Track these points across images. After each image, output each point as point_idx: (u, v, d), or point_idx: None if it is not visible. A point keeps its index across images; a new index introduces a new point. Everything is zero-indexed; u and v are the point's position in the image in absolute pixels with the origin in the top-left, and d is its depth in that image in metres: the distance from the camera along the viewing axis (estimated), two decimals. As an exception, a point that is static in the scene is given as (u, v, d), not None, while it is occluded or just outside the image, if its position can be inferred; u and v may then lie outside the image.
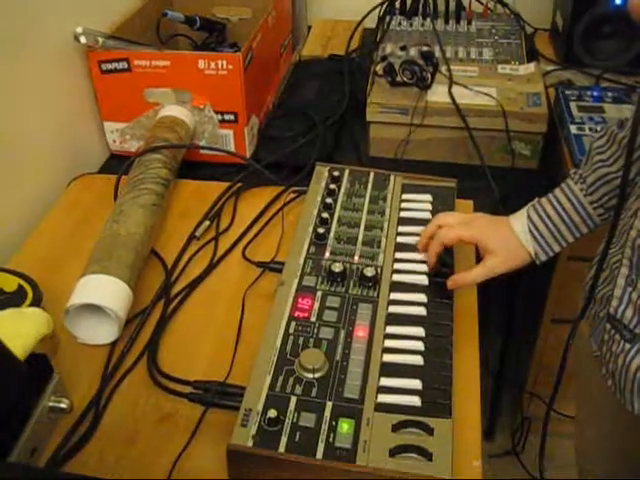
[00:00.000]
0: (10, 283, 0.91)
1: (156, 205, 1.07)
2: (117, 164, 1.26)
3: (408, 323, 0.87)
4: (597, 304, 0.92)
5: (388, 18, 1.66)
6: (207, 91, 1.25)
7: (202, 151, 1.31)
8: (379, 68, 1.37)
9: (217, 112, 1.27)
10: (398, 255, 0.97)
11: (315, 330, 0.85)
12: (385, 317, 0.87)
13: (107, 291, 0.91)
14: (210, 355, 0.92)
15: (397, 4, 1.68)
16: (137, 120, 1.29)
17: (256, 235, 1.12)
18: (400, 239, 1.00)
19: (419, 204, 1.07)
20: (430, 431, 0.74)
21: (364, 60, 1.59)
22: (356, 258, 0.97)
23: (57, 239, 1.12)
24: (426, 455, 0.71)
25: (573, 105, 1.35)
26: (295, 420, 0.74)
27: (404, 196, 1.09)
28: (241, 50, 1.22)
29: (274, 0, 1.47)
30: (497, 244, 0.91)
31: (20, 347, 0.71)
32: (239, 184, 1.21)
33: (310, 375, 0.79)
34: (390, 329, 0.86)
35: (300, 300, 0.90)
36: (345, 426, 0.74)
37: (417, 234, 1.00)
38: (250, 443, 0.72)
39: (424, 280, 0.93)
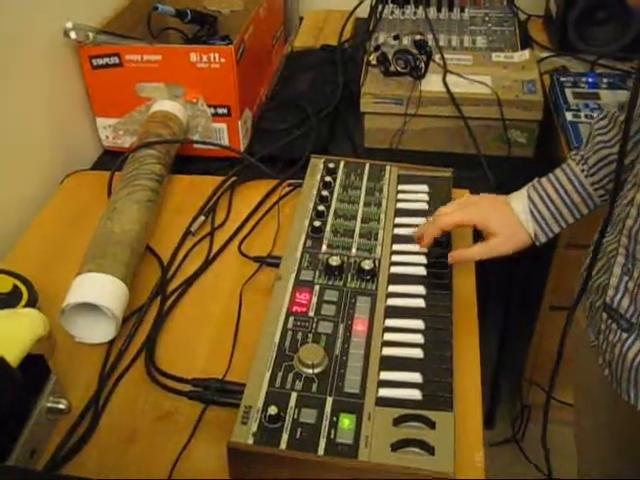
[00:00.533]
0: (5, 284, 0.91)
1: (150, 201, 1.06)
2: (110, 160, 1.25)
3: (407, 316, 0.86)
4: (593, 294, 0.91)
5: (380, 7, 1.65)
6: (199, 85, 1.23)
7: (196, 145, 1.29)
8: (372, 58, 1.36)
9: (210, 106, 1.25)
10: (396, 247, 0.97)
11: (314, 325, 0.85)
12: (384, 310, 0.87)
13: (103, 289, 0.90)
14: (208, 352, 0.92)
15: (389, -7, 1.67)
16: (129, 115, 1.28)
17: (252, 229, 1.11)
18: (397, 231, 1.00)
19: (415, 195, 1.06)
20: (432, 425, 0.73)
21: (357, 50, 1.58)
22: (353, 251, 0.96)
23: (51, 237, 1.11)
24: (428, 449, 0.71)
25: (568, 92, 1.34)
26: (296, 416, 0.74)
27: (400, 187, 1.08)
28: (233, 43, 1.21)
29: (265, -9, 1.45)
30: (498, 225, 0.91)
31: (16, 349, 0.71)
32: (234, 178, 1.20)
33: (310, 370, 0.79)
34: (389, 322, 0.85)
35: (298, 295, 0.89)
36: (346, 421, 0.74)
37: (414, 225, 0.99)
38: (251, 441, 0.72)
39: (422, 272, 0.93)
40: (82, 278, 0.91)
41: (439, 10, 1.65)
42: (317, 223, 0.99)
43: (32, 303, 0.88)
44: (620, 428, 1.06)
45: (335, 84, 1.48)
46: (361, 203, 1.05)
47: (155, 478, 0.77)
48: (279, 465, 0.72)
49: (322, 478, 0.72)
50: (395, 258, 0.95)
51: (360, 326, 0.85)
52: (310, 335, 0.83)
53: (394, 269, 0.93)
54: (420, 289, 0.90)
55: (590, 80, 1.37)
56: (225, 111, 1.26)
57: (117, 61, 1.23)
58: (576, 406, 1.21)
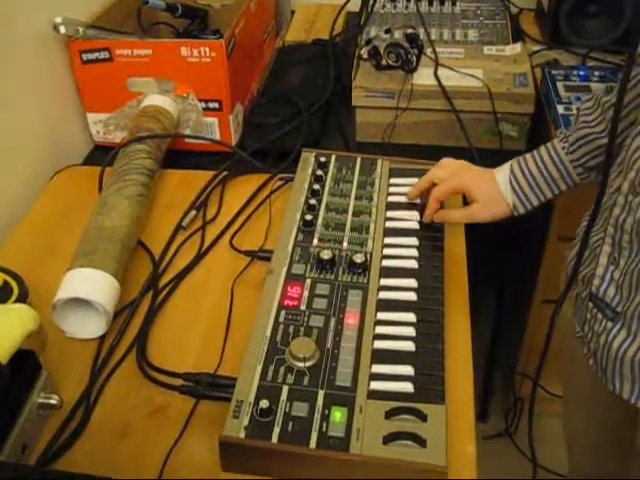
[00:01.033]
0: (-5, 279, 0.90)
1: (142, 196, 1.06)
2: (101, 155, 1.24)
3: (399, 309, 0.86)
4: (579, 285, 0.92)
5: (372, 1, 1.64)
6: (190, 79, 1.23)
7: (187, 140, 1.29)
8: (364, 52, 1.36)
9: (201, 100, 1.25)
10: (387, 240, 0.97)
11: (305, 318, 0.84)
12: (375, 303, 0.87)
13: (94, 285, 0.90)
14: (200, 346, 0.91)
15: (380, -14, 1.67)
16: (120, 110, 1.27)
17: (243, 224, 1.11)
18: (389, 224, 1.00)
19: (407, 188, 1.06)
20: (423, 417, 0.73)
21: (348, 44, 1.57)
22: (345, 244, 0.96)
23: (41, 232, 1.11)
24: (420, 442, 0.71)
25: (560, 85, 1.34)
26: (287, 410, 0.74)
27: (392, 180, 1.08)
28: (224, 37, 1.20)
29: (256, -15, 1.45)
30: (480, 193, 0.96)
31: (7, 344, 0.71)
32: (225, 172, 1.20)
33: (301, 364, 0.79)
34: (381, 315, 0.85)
35: (289, 288, 0.89)
36: (338, 414, 0.73)
37: (406, 219, 1.00)
38: (242, 434, 0.71)
39: (414, 265, 0.93)
40: (73, 273, 0.91)
41: (430, 4, 1.65)
42: (308, 217, 0.99)
43: (23, 298, 0.88)
44: (606, 418, 1.07)
45: (327, 78, 1.48)
46: (352, 197, 1.05)
47: (147, 473, 0.76)
48: (271, 458, 0.72)
49: (314, 471, 0.72)
50: (387, 251, 0.95)
51: (352, 319, 0.85)
52: (302, 329, 0.83)
53: (385, 262, 0.93)
54: (412, 282, 0.90)
55: (582, 73, 1.37)
56: (216, 105, 1.26)
57: (107, 56, 1.22)
58: (564, 397, 1.21)
